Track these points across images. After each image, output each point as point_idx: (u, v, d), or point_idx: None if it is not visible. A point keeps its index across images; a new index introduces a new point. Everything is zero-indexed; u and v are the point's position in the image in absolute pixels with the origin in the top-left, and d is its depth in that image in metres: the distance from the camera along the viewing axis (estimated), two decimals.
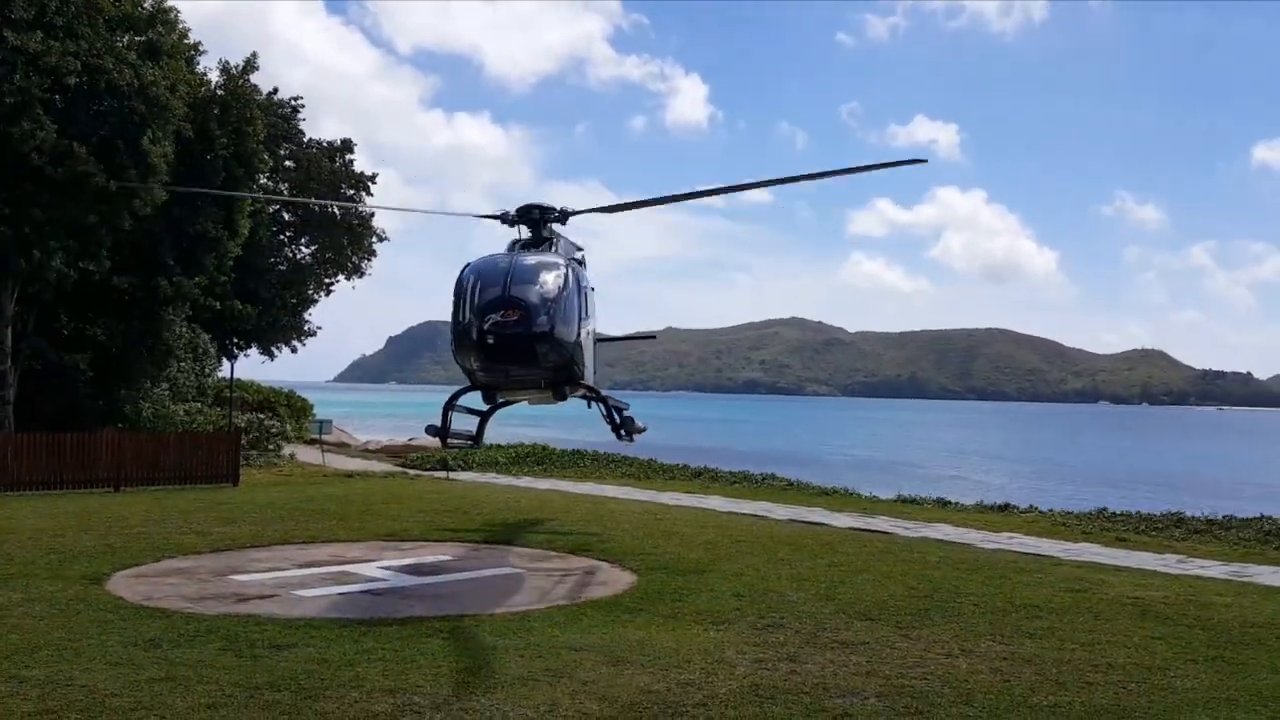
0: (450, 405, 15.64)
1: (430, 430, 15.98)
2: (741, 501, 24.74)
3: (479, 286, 13.35)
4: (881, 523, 21.40)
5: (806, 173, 14.62)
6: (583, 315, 14.96)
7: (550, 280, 13.64)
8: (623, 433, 16.75)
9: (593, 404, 16.71)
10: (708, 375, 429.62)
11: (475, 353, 13.35)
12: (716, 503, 24.34)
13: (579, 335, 14.70)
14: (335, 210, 41.39)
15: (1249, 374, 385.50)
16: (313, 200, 38.25)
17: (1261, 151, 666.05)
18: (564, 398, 15.69)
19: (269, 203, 38.59)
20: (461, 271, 14.09)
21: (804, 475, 32.89)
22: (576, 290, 14.49)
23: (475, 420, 16.52)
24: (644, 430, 17.43)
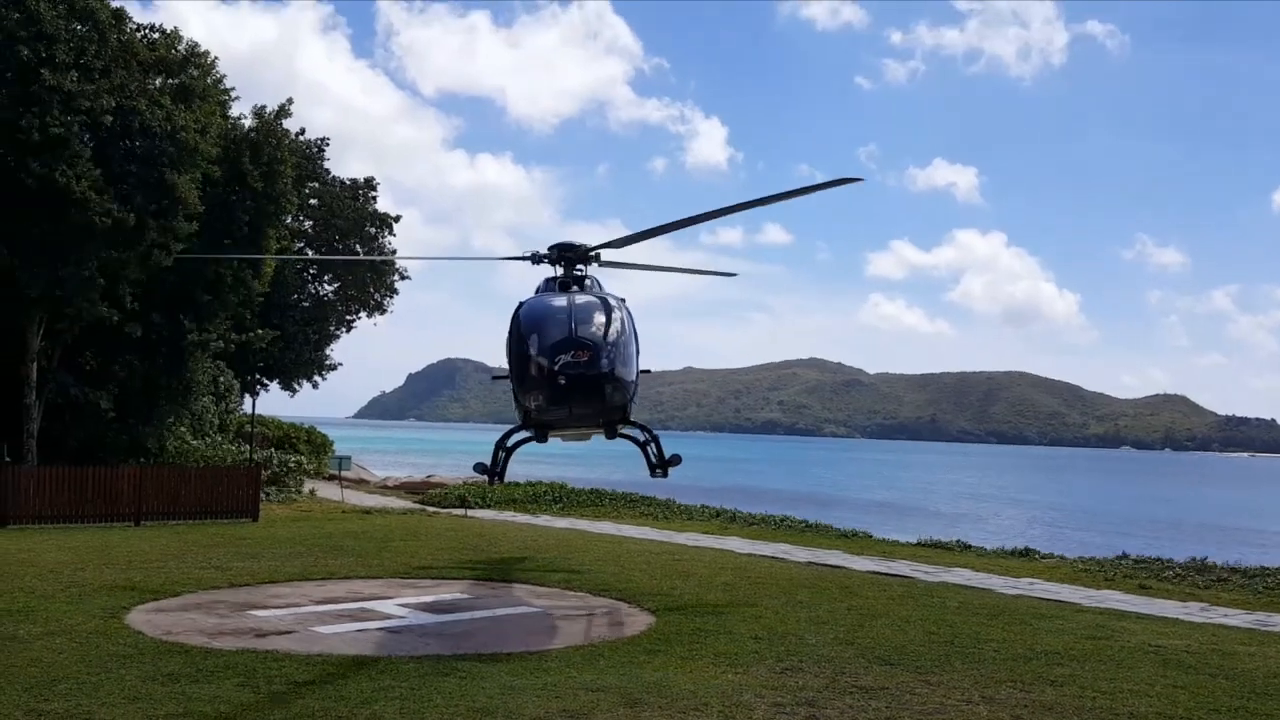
0: (502, 445, 15.85)
1: (479, 468, 16.16)
2: (760, 543, 24.62)
3: (545, 327, 13.53)
4: (902, 566, 21.23)
5: (753, 199, 14.67)
6: (637, 353, 15.13)
7: (612, 321, 13.91)
8: (666, 470, 16.23)
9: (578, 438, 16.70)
10: (726, 415, 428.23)
11: (543, 392, 13.50)
12: (735, 544, 24.24)
13: (636, 374, 14.87)
14: (359, 246, 41.87)
15: (1273, 420, 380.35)
16: (347, 257, 38.99)
17: None
18: (615, 435, 15.53)
19: (322, 264, 39.35)
20: (518, 311, 14.24)
21: (823, 517, 32.70)
22: (631, 330, 14.72)
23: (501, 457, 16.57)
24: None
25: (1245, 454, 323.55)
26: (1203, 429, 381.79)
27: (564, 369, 13.12)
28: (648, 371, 16.61)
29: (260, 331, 32.88)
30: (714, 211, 14.66)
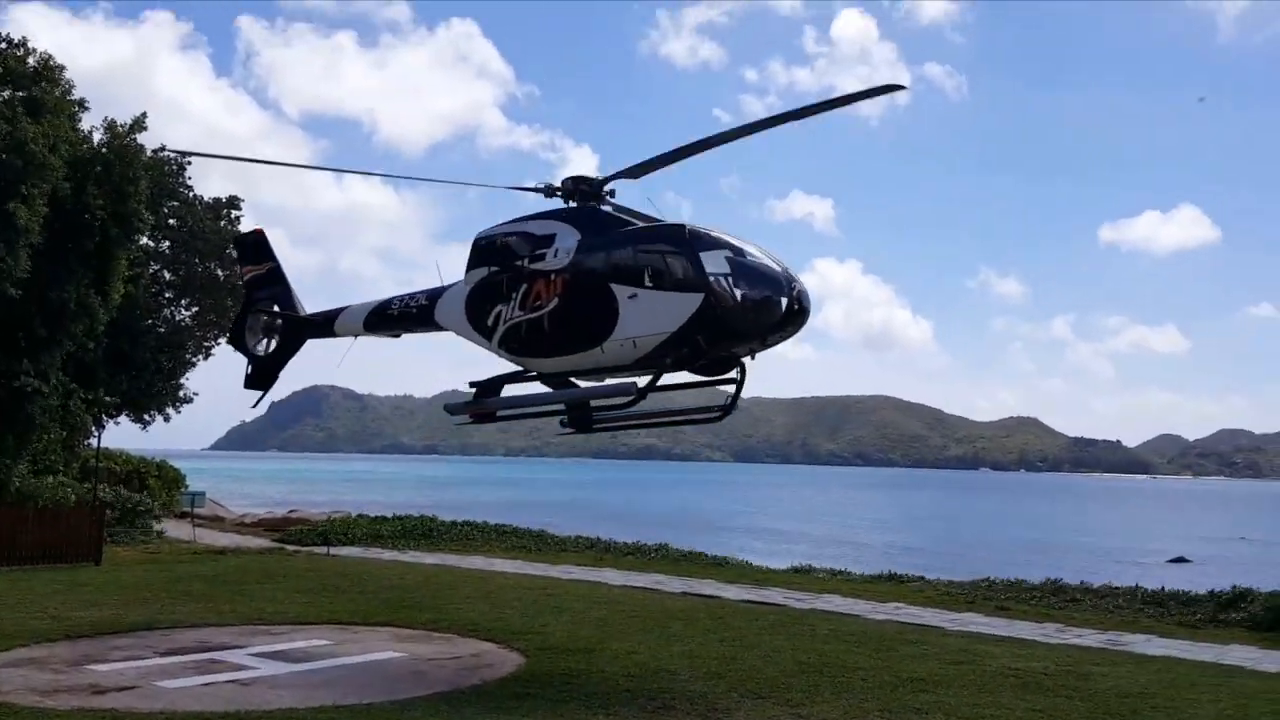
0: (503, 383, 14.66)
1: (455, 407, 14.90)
2: (635, 574, 24.52)
3: (752, 253, 12.72)
4: (774, 594, 21.47)
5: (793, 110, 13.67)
6: None
7: None
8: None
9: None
10: (603, 441, 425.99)
11: (766, 319, 12.53)
12: (610, 575, 24.05)
13: None
14: (219, 269, 40.18)
15: (1118, 441, 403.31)
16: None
17: (1108, 233, 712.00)
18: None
19: (179, 287, 37.26)
20: (692, 240, 12.84)
21: (698, 543, 32.93)
22: None
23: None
24: None
25: (1096, 474, 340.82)
26: (1055, 450, 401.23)
27: (800, 296, 12.43)
28: None
29: (111, 378, 31.18)
30: (742, 128, 13.84)
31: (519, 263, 14.28)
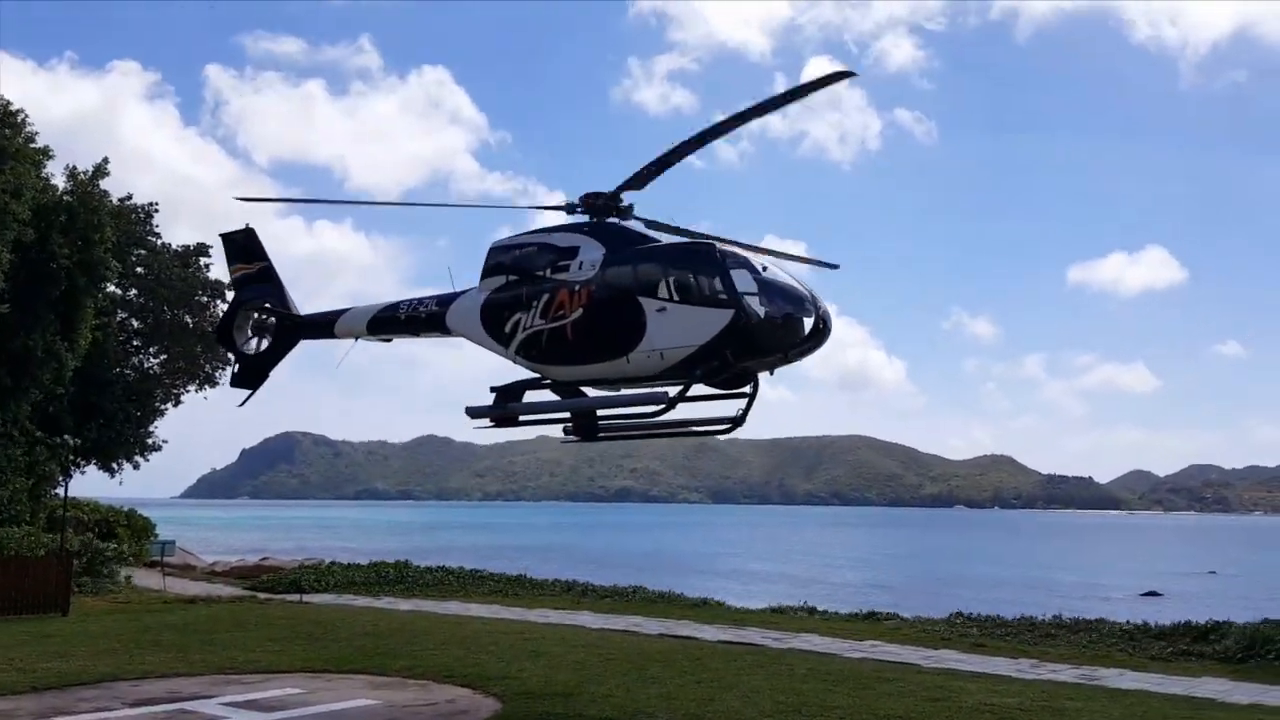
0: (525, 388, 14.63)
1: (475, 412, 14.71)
2: (612, 616, 24.36)
3: (779, 276, 13.12)
4: (752, 634, 21.38)
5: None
6: None
7: None
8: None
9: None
10: (580, 484, 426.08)
11: (792, 335, 12.88)
12: (587, 619, 23.88)
13: None
14: (188, 317, 39.94)
15: (1090, 478, 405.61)
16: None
17: (1076, 273, 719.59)
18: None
19: (146, 336, 36.80)
20: (721, 259, 13.18)
21: (676, 585, 32.79)
22: None
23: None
24: None
25: (1069, 511, 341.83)
26: (1028, 487, 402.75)
27: (824, 315, 12.86)
28: None
29: (77, 429, 30.83)
30: (716, 127, 13.92)
31: (540, 273, 14.43)
